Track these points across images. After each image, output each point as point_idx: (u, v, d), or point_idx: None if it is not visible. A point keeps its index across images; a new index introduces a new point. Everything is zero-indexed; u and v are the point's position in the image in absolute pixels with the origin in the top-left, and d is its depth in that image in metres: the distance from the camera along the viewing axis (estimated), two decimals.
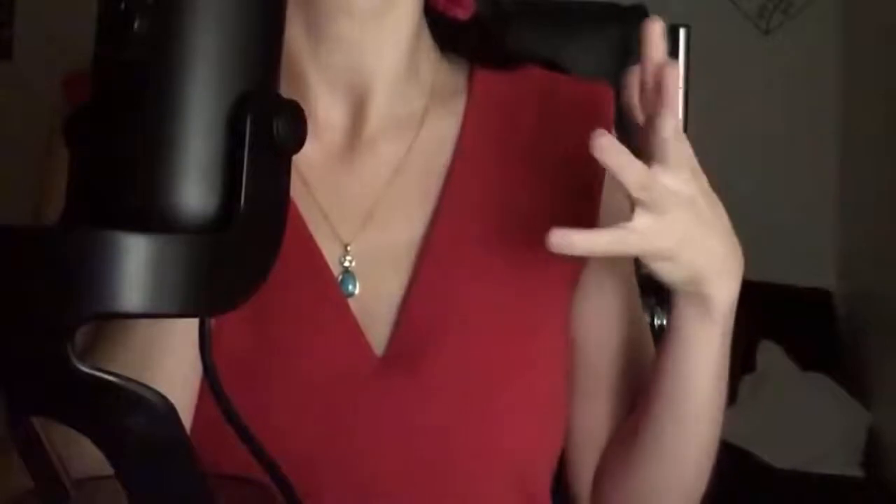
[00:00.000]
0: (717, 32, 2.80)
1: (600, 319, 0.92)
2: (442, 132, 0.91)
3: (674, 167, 0.77)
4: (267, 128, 0.52)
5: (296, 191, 0.84)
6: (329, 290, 0.85)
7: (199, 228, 0.51)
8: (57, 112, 0.87)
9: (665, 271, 0.80)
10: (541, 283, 0.89)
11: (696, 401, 0.86)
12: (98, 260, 0.47)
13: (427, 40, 0.92)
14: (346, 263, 0.86)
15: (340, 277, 0.85)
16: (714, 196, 0.82)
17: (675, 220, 0.77)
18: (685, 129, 1.26)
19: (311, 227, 0.86)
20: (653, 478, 0.89)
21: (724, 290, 0.82)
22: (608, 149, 0.74)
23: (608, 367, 0.93)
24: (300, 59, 0.87)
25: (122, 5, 0.50)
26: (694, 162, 0.80)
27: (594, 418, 0.93)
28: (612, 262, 0.93)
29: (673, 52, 1.28)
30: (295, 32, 0.86)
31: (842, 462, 2.88)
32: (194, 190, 0.51)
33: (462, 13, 0.93)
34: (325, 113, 0.88)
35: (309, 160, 0.86)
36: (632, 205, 0.77)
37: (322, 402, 0.82)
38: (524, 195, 0.90)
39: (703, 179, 0.81)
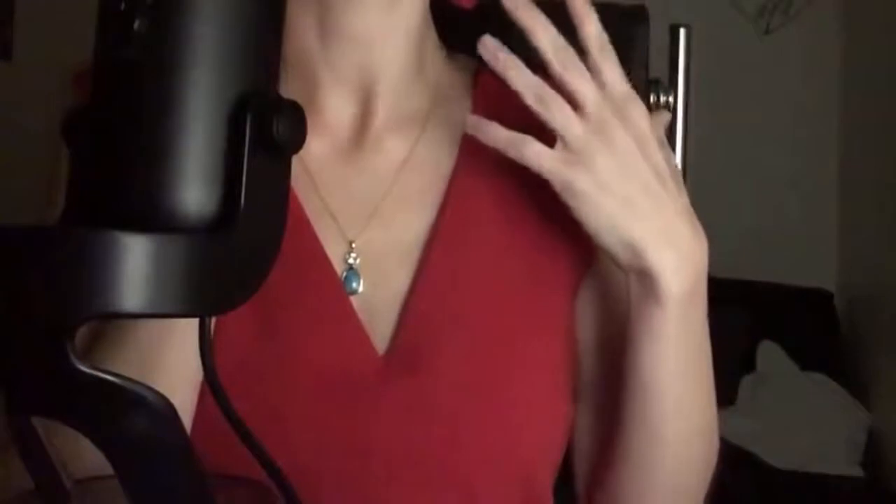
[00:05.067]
0: (717, 32, 2.80)
1: (600, 322, 0.92)
2: (448, 129, 0.91)
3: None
4: (267, 128, 0.52)
5: (301, 188, 0.85)
6: (332, 288, 0.85)
7: (199, 228, 0.51)
8: (63, 111, 0.87)
9: (583, 214, 0.81)
10: (546, 283, 0.89)
11: (658, 401, 0.84)
12: (98, 260, 0.47)
13: (433, 37, 0.93)
14: (351, 261, 0.86)
15: (344, 275, 0.85)
16: (668, 172, 0.82)
17: (595, 159, 0.80)
18: (686, 129, 1.27)
19: (316, 225, 0.86)
20: (625, 482, 0.89)
21: (669, 267, 0.81)
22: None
23: (607, 371, 0.93)
24: (310, 55, 0.87)
25: (122, 5, 0.50)
26: (647, 130, 0.81)
27: (592, 420, 0.93)
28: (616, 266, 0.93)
29: (673, 52, 1.28)
30: (305, 29, 0.87)
31: (842, 462, 2.88)
32: (194, 190, 0.51)
33: (466, 1, 0.93)
34: (333, 109, 0.88)
35: (315, 157, 0.86)
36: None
37: (323, 401, 0.82)
38: (529, 195, 0.90)
39: (659, 155, 0.82)
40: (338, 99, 0.88)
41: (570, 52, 0.81)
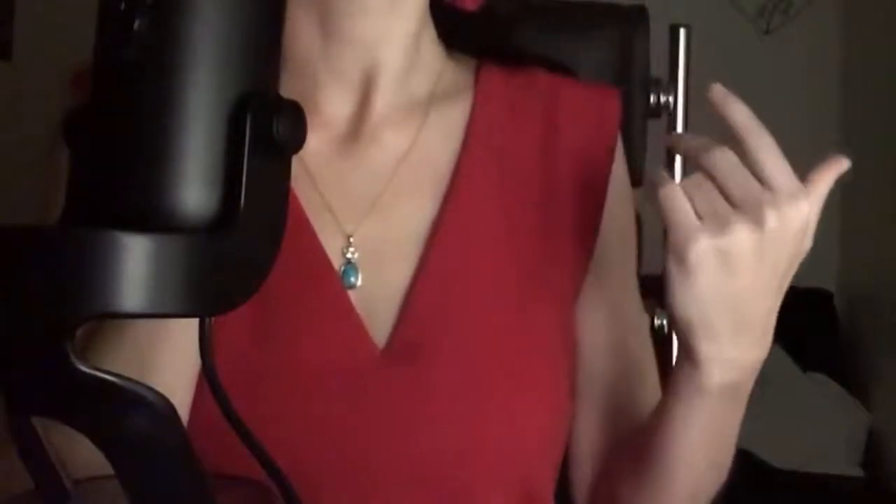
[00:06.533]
0: (717, 32, 2.81)
1: (596, 324, 0.93)
2: (448, 125, 0.91)
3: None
4: (267, 128, 0.52)
5: (299, 182, 0.85)
6: (329, 283, 0.85)
7: (199, 228, 0.51)
8: (62, 111, 0.87)
9: (677, 279, 0.75)
10: (547, 280, 0.89)
11: (682, 471, 0.85)
12: (98, 260, 0.47)
13: (431, 33, 0.93)
14: (349, 255, 0.86)
15: (342, 269, 0.85)
16: (784, 269, 0.77)
17: (726, 231, 0.73)
18: (685, 129, 1.27)
19: (314, 220, 0.86)
20: None
21: (719, 363, 0.78)
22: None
23: (599, 375, 0.93)
24: (308, 53, 0.88)
25: (122, 5, 0.50)
26: (796, 229, 0.75)
27: (584, 425, 0.93)
28: (613, 267, 0.93)
29: (673, 52, 1.28)
30: (305, 28, 0.87)
31: (842, 462, 2.88)
32: (194, 190, 0.51)
33: (470, 4, 0.94)
34: (331, 105, 0.89)
35: (313, 152, 0.86)
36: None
37: (322, 398, 0.82)
38: (529, 193, 0.90)
39: (788, 251, 0.76)
40: (334, 94, 0.89)
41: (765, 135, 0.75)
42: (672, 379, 0.82)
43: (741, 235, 0.73)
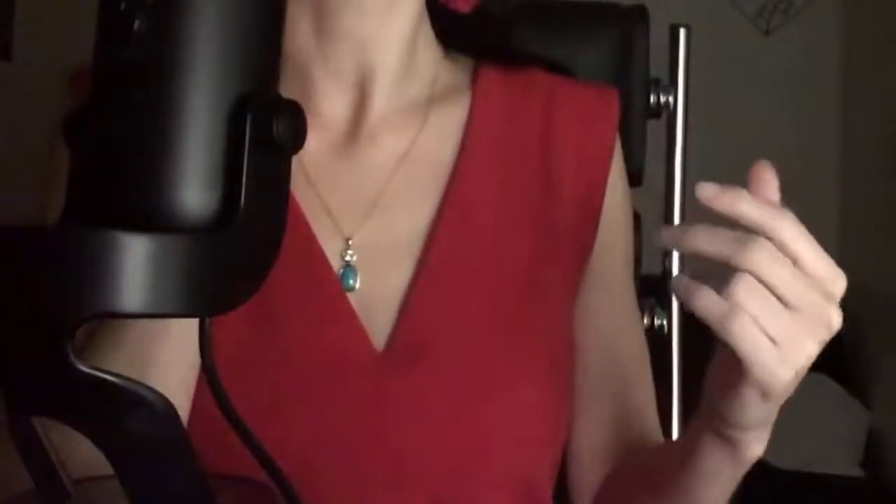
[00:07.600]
0: (717, 32, 2.81)
1: (591, 323, 0.93)
2: (446, 126, 0.91)
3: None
4: (267, 128, 0.52)
5: (297, 184, 0.85)
6: (328, 285, 0.85)
7: (200, 228, 0.51)
8: (62, 111, 0.87)
9: (747, 399, 0.71)
10: (546, 280, 0.89)
11: None
12: (98, 259, 0.47)
13: (428, 33, 0.93)
14: (348, 258, 0.86)
15: (341, 272, 0.85)
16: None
17: (796, 349, 0.70)
18: (685, 129, 1.27)
19: (312, 222, 0.86)
20: None
21: (758, 446, 0.77)
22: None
23: (595, 374, 0.93)
24: (305, 53, 0.88)
25: (122, 5, 0.50)
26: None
27: (582, 425, 0.93)
28: (610, 268, 0.93)
29: (673, 52, 1.28)
30: (301, 28, 0.87)
31: (842, 462, 2.88)
32: (194, 190, 0.51)
33: (463, 6, 0.94)
34: (328, 106, 0.89)
35: (311, 153, 0.86)
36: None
37: (321, 399, 0.82)
38: (528, 194, 0.90)
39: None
40: (331, 95, 0.89)
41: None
42: (700, 446, 0.78)
43: (815, 349, 0.72)
